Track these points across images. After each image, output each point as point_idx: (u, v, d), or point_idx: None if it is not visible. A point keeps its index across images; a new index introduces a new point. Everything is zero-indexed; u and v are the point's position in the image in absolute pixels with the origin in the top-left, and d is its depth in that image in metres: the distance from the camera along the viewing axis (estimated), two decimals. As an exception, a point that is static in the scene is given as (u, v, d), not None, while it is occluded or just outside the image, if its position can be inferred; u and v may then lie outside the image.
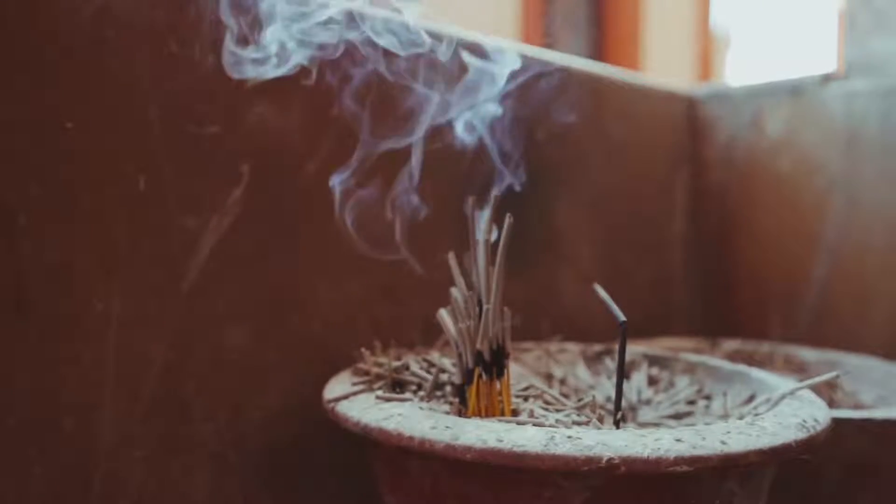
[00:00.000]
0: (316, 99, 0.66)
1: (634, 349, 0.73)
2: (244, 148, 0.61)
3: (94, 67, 0.54)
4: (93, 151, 0.54)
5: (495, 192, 0.54)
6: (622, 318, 0.49)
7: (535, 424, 0.48)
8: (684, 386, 0.65)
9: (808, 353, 0.91)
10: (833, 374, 0.54)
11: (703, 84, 1.33)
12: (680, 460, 0.40)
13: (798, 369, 0.89)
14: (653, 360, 0.71)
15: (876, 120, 1.00)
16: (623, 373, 0.51)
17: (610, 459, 0.40)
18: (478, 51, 0.69)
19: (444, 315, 0.55)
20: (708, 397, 0.63)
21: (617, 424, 0.51)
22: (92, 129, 0.54)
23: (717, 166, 1.14)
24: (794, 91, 1.08)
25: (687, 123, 1.14)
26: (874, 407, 0.80)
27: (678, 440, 0.41)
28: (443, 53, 0.66)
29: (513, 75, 0.74)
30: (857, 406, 0.80)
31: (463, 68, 0.68)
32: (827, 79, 1.06)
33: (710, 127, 1.15)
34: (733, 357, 0.89)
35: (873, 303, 1.01)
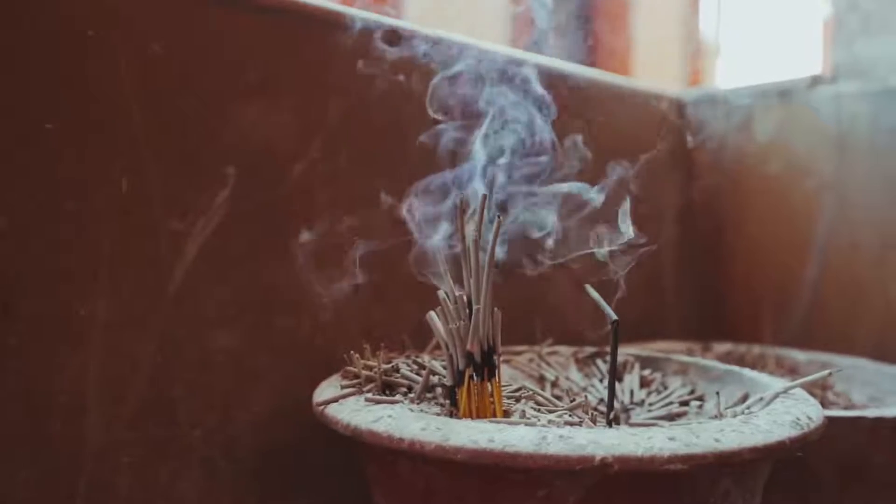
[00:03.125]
0: (305, 99, 0.65)
1: (626, 351, 0.72)
2: (230, 149, 0.61)
3: (75, 67, 0.53)
4: (75, 153, 0.53)
5: (485, 193, 0.53)
6: (614, 316, 0.49)
7: (526, 425, 0.47)
8: (677, 387, 0.65)
9: (799, 355, 0.91)
10: (826, 372, 0.53)
11: (693, 88, 1.33)
12: (674, 458, 0.40)
13: (790, 371, 0.89)
14: (645, 362, 0.70)
15: (865, 122, 1.01)
16: (615, 372, 0.51)
17: (603, 458, 0.40)
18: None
19: (433, 317, 0.55)
20: (700, 398, 0.63)
21: (610, 424, 0.51)
22: (74, 131, 0.53)
23: (708, 169, 1.14)
24: (784, 94, 1.08)
25: (677, 126, 1.14)
26: (866, 406, 0.80)
27: (671, 438, 0.41)
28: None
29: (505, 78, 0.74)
30: (849, 406, 0.80)
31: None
32: (815, 81, 1.06)
33: (700, 130, 1.15)
34: (725, 359, 0.89)
35: (864, 304, 1.01)
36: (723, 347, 0.96)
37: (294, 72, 0.65)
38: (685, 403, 0.62)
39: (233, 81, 0.61)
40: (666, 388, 0.66)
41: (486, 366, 0.52)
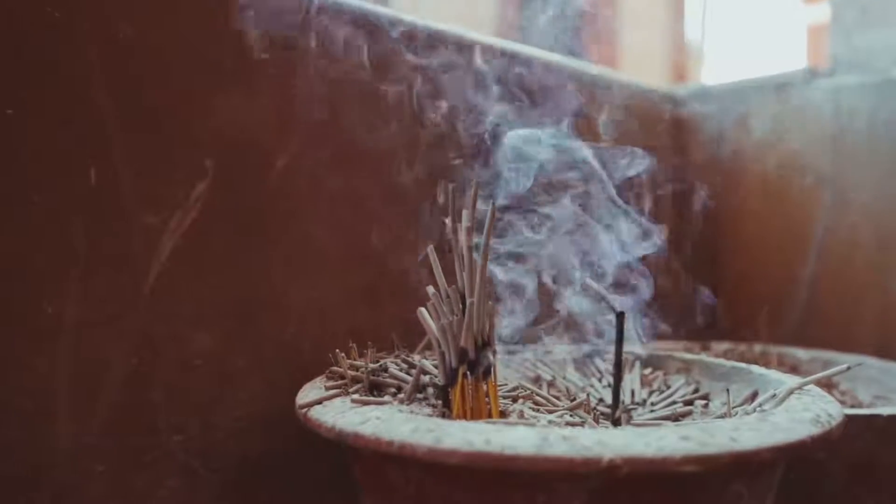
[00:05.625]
0: (286, 89, 0.62)
1: (624, 350, 0.69)
2: (208, 140, 0.57)
3: (39, 50, 0.50)
4: (40, 142, 0.50)
5: (476, 179, 0.50)
6: (618, 308, 0.46)
7: (525, 425, 0.44)
8: (680, 386, 0.62)
9: (800, 353, 0.89)
10: (844, 366, 0.50)
11: (685, 84, 1.31)
12: (688, 459, 0.36)
13: (791, 369, 0.87)
14: (645, 361, 0.67)
15: (864, 115, 0.98)
16: (621, 366, 0.47)
17: (611, 460, 0.36)
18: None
19: (424, 313, 0.52)
20: (706, 397, 0.59)
21: (615, 423, 0.48)
22: (38, 119, 0.50)
23: (704, 165, 1.12)
24: (780, 88, 1.06)
25: (672, 123, 1.12)
26: (872, 405, 0.77)
27: (684, 438, 0.38)
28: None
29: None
30: (856, 404, 0.77)
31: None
32: (813, 75, 1.03)
33: (695, 126, 1.12)
34: (726, 358, 0.86)
35: (862, 301, 0.99)
36: (722, 346, 0.93)
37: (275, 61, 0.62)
38: (689, 403, 0.59)
39: (212, 68, 0.58)
40: (669, 387, 0.63)
41: (480, 363, 0.49)
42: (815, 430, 0.41)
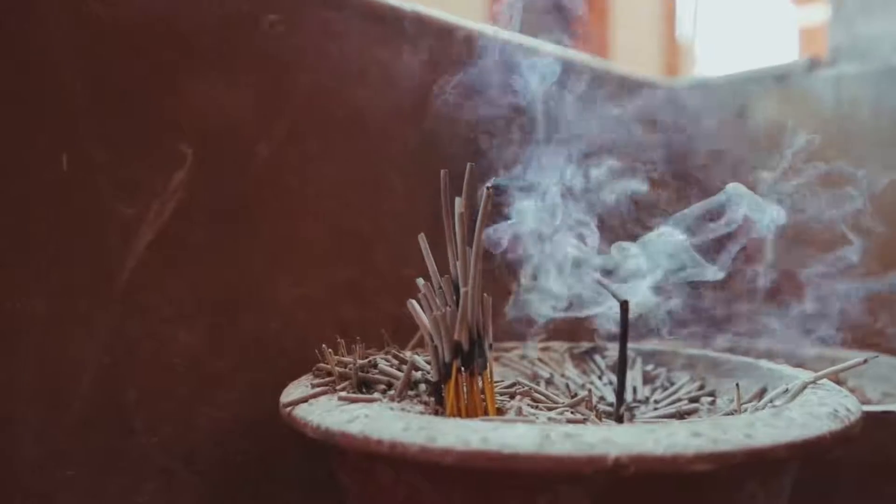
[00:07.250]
0: (270, 72, 0.59)
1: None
2: (187, 126, 0.55)
3: (2, 30, 0.47)
4: (6, 127, 0.47)
5: (471, 164, 0.47)
6: (622, 297, 0.43)
7: (524, 423, 0.41)
8: (685, 382, 0.59)
9: (805, 351, 0.86)
10: (861, 359, 0.48)
11: (682, 77, 1.29)
12: (700, 457, 0.34)
13: (796, 367, 0.84)
14: (648, 357, 0.64)
15: (866, 104, 0.96)
16: (626, 359, 0.45)
17: (617, 459, 0.34)
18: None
19: (415, 305, 0.49)
20: (712, 394, 0.57)
21: (620, 419, 0.45)
22: (3, 102, 0.47)
23: (703, 159, 1.09)
24: (780, 78, 1.03)
25: (669, 115, 1.09)
26: (882, 402, 0.74)
27: (695, 434, 0.35)
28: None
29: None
30: (864, 402, 0.75)
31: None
32: (814, 64, 1.01)
33: (693, 119, 1.10)
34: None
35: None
36: (724, 343, 0.90)
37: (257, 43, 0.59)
38: (695, 400, 0.56)
39: (190, 48, 0.55)
40: (672, 383, 0.61)
41: (475, 357, 0.46)
42: (834, 426, 0.38)
